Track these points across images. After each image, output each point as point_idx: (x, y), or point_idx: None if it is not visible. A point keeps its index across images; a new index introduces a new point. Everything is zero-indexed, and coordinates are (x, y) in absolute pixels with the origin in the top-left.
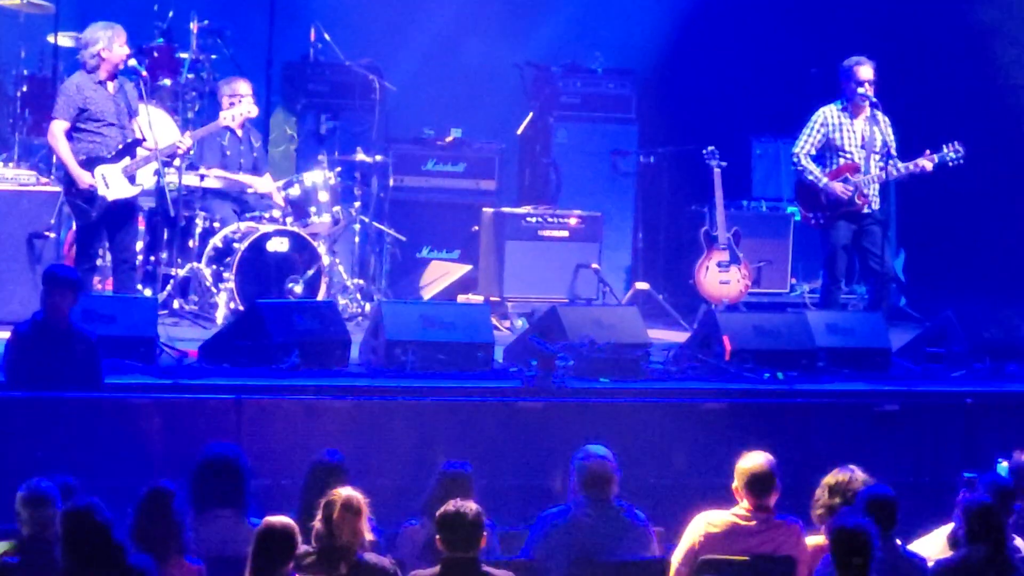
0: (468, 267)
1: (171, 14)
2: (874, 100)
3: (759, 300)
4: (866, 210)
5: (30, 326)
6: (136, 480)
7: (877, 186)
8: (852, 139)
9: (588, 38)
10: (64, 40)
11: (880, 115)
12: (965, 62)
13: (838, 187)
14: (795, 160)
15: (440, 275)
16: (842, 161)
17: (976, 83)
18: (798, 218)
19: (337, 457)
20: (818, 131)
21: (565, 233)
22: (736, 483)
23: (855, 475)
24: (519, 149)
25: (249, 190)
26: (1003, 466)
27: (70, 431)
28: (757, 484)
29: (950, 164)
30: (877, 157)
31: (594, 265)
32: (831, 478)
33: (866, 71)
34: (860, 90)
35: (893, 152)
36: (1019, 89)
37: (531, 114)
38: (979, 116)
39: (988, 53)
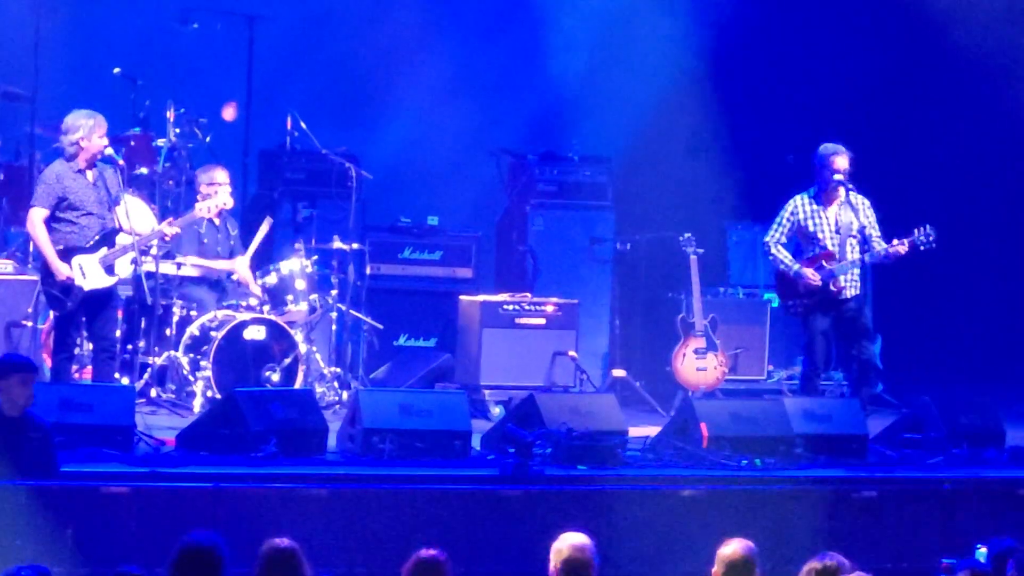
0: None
1: (148, 103)
2: (849, 186)
3: (736, 387)
4: (848, 294)
5: None
6: (113, 569)
7: (856, 271)
8: (826, 225)
9: (564, 126)
10: (41, 130)
11: (857, 198)
12: (938, 144)
13: (808, 272)
14: (765, 249)
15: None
16: (818, 249)
17: (951, 166)
18: (775, 305)
19: (287, 544)
20: (788, 220)
21: (542, 321)
22: (716, 569)
23: (843, 561)
24: (496, 237)
25: (233, 276)
26: (982, 552)
27: (46, 520)
28: (736, 571)
29: (921, 248)
30: (854, 241)
31: (571, 352)
32: (817, 563)
33: (842, 161)
34: (836, 177)
35: (874, 235)
36: (992, 173)
37: (507, 202)
38: (954, 198)
39: (963, 135)
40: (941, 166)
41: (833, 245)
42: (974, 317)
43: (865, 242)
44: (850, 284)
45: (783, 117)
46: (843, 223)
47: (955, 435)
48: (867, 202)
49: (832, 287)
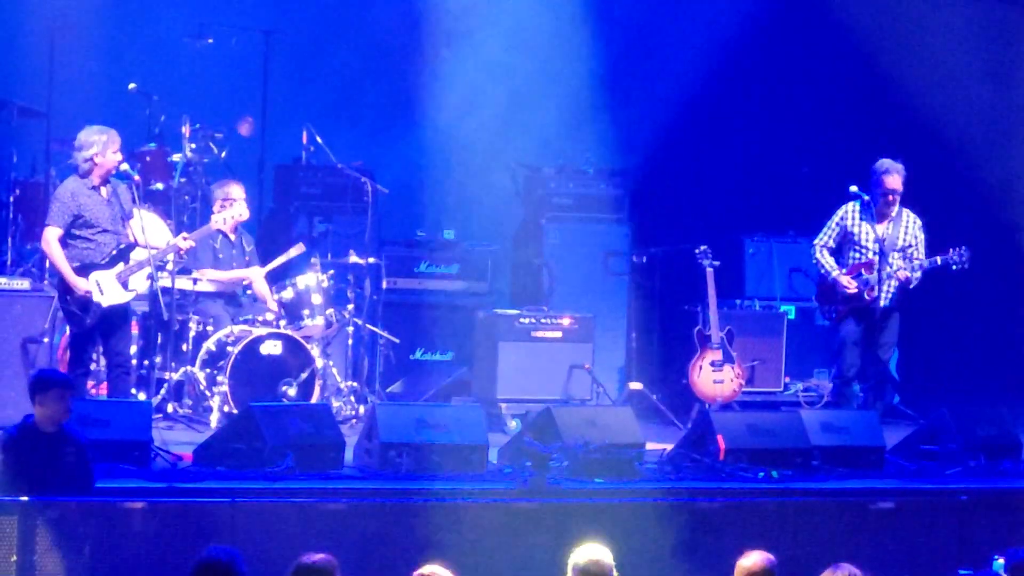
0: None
1: (163, 118)
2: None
3: (753, 399)
4: (881, 303)
5: (19, 430)
6: None
7: (894, 282)
8: (871, 237)
9: (579, 139)
10: (56, 145)
11: (909, 216)
12: (954, 156)
13: (843, 280)
14: (812, 252)
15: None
16: (859, 257)
17: (969, 178)
18: (791, 316)
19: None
20: (836, 225)
21: (558, 334)
22: None
23: (855, 572)
24: (512, 250)
25: (244, 282)
26: (999, 563)
27: (64, 535)
28: None
29: (954, 268)
30: (897, 255)
31: (587, 365)
32: (830, 574)
33: (893, 181)
34: (887, 198)
35: (918, 252)
36: (1012, 185)
37: (523, 215)
38: (974, 208)
39: (977, 146)
40: (958, 177)
41: (873, 255)
42: (990, 328)
43: (907, 259)
44: (885, 294)
45: (798, 129)
46: (889, 237)
47: (972, 447)
48: (919, 221)
49: (866, 296)
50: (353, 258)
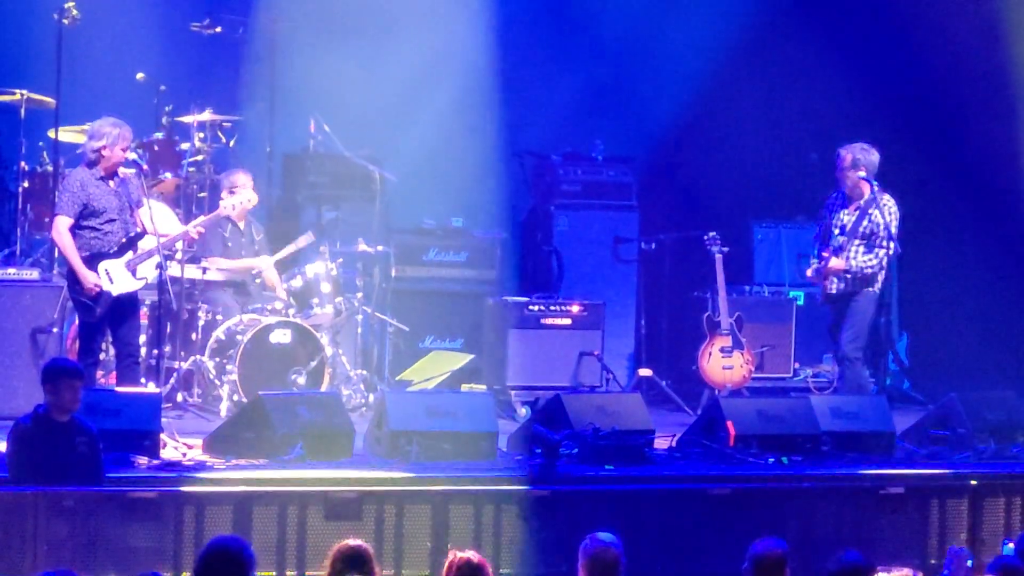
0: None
1: (171, 108)
2: (875, 187)
3: (762, 385)
4: (832, 289)
5: (32, 420)
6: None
7: (852, 264)
8: (838, 224)
9: (587, 126)
10: (65, 135)
11: (882, 198)
12: (966, 139)
13: (808, 271)
14: None
15: (440, 369)
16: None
17: (980, 163)
18: (800, 302)
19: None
20: (823, 216)
21: (568, 321)
22: (747, 566)
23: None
24: (520, 237)
25: (253, 271)
26: (1009, 548)
27: (73, 525)
28: (767, 569)
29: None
30: (858, 242)
31: (596, 352)
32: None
33: (844, 159)
34: (841, 176)
35: (881, 238)
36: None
37: (532, 203)
38: (984, 194)
39: (991, 130)
40: (970, 163)
41: (835, 243)
42: (1000, 313)
43: (871, 245)
44: (834, 283)
45: (807, 115)
46: (852, 223)
47: (982, 431)
48: (889, 206)
49: (819, 283)
50: (362, 246)
